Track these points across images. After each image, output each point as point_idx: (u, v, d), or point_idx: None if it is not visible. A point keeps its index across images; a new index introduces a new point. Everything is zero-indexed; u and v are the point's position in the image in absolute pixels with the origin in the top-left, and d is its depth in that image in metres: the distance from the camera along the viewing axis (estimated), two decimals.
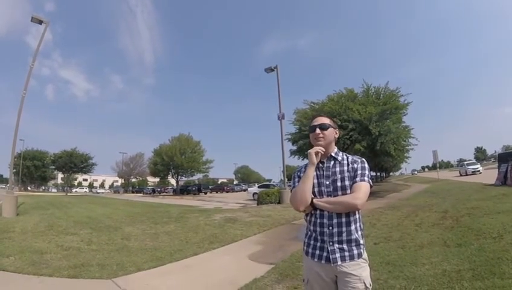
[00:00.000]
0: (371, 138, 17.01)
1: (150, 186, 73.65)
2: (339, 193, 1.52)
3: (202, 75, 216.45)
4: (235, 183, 71.03)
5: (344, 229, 1.48)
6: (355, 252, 1.48)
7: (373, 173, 44.89)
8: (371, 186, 1.54)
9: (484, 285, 2.85)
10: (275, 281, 3.66)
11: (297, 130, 20.71)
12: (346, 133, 16.85)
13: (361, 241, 1.52)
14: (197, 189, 42.80)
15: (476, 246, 4.19)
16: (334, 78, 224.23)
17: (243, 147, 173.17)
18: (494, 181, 13.99)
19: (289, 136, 21.05)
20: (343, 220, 1.49)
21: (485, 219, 5.81)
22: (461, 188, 14.61)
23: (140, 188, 68.70)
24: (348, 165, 1.59)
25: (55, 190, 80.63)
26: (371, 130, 16.58)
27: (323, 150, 1.60)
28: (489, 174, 18.60)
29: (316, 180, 1.57)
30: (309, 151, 1.59)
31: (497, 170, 14.93)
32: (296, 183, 1.62)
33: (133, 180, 76.01)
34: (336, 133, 1.69)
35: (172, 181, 54.18)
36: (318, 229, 1.53)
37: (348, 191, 1.51)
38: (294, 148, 21.64)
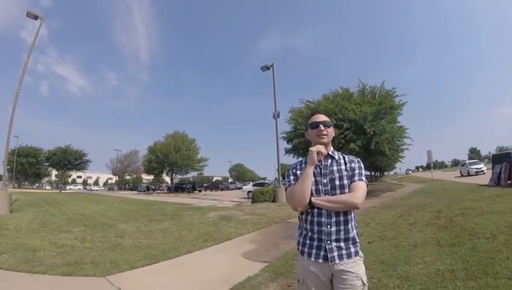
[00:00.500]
0: (365, 138, 17.10)
1: (144, 183, 73.42)
2: (337, 191, 1.51)
3: (198, 72, 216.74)
4: (229, 181, 70.73)
5: (342, 227, 1.48)
6: (353, 250, 1.48)
7: (367, 173, 45.11)
8: (367, 186, 1.54)
9: (477, 285, 2.86)
10: (269, 279, 3.66)
11: (292, 129, 20.71)
12: (341, 132, 16.93)
13: (358, 239, 1.52)
14: (192, 187, 42.55)
15: (470, 246, 4.22)
16: (330, 78, 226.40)
17: (237, 145, 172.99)
18: (488, 182, 14.16)
19: (284, 135, 21.07)
20: (341, 218, 1.48)
21: (479, 219, 5.87)
22: (455, 188, 14.77)
23: (134, 186, 68.47)
24: (345, 164, 1.58)
25: (49, 187, 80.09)
26: (366, 129, 16.67)
27: (325, 151, 1.58)
28: (483, 175, 18.82)
29: (313, 179, 1.54)
30: (311, 148, 1.56)
31: (491, 170, 15.11)
32: (292, 181, 1.59)
33: (128, 177, 75.61)
34: (334, 132, 1.69)
35: (167, 179, 53.88)
36: (316, 227, 1.50)
37: (347, 190, 1.50)
38: (289, 146, 21.66)
